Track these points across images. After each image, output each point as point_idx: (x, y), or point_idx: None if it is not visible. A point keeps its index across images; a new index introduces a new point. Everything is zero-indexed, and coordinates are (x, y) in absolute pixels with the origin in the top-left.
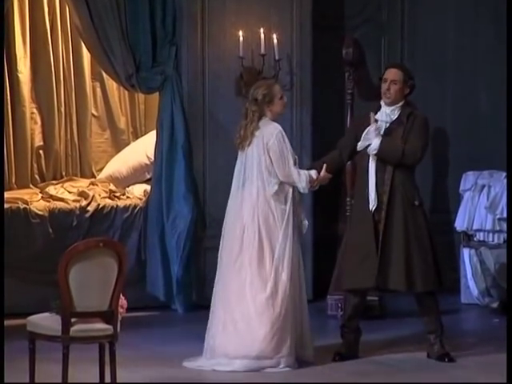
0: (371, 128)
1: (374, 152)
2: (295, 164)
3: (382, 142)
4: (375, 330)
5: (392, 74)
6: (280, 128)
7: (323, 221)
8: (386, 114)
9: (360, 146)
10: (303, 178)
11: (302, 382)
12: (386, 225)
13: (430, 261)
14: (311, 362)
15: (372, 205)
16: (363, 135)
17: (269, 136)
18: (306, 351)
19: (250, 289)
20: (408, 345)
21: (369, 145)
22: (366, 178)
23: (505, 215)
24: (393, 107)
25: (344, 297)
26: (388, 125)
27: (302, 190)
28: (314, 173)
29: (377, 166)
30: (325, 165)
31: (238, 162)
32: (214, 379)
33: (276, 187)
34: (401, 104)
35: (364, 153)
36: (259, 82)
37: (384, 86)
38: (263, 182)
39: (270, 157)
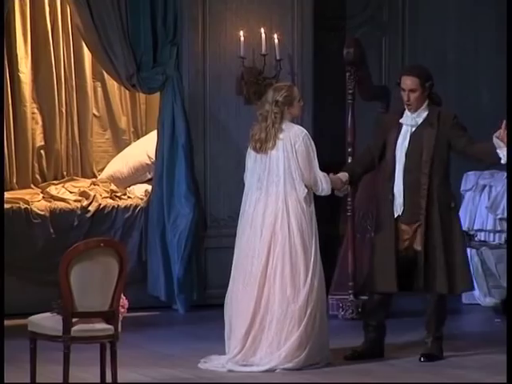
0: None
1: (503, 161)
2: None
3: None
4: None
5: (408, 83)
6: (305, 131)
7: (323, 221)
8: (412, 117)
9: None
10: (327, 181)
11: (302, 382)
12: (426, 228)
13: (466, 262)
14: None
15: (397, 210)
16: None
17: (295, 138)
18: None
19: (282, 296)
20: (410, 345)
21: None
22: (392, 183)
23: (505, 215)
24: (418, 111)
25: (368, 296)
26: (414, 129)
27: (323, 193)
28: (343, 176)
29: (405, 170)
30: (347, 175)
31: (258, 165)
32: (216, 379)
33: (306, 190)
34: (425, 105)
35: (389, 158)
36: (278, 85)
37: (404, 97)
38: (292, 185)
39: (297, 159)
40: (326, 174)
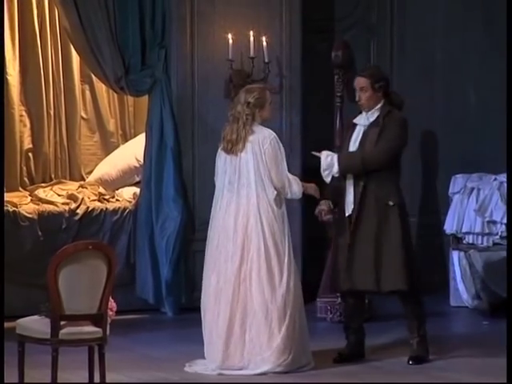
0: (323, 158)
1: (337, 175)
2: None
3: (339, 162)
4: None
5: (359, 82)
6: (274, 134)
7: (312, 223)
8: (365, 117)
9: (327, 179)
10: (298, 184)
11: (293, 382)
12: (355, 226)
13: (401, 261)
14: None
15: (347, 210)
16: (323, 170)
17: (264, 141)
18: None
19: (261, 298)
20: (397, 347)
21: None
22: (345, 183)
23: (494, 218)
24: (372, 110)
25: (341, 298)
26: (365, 128)
27: (293, 196)
28: (325, 203)
29: None
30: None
31: (229, 166)
32: (204, 380)
33: (276, 192)
34: (379, 106)
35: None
36: (250, 86)
37: (356, 96)
38: (263, 188)
39: (266, 162)
40: (296, 178)
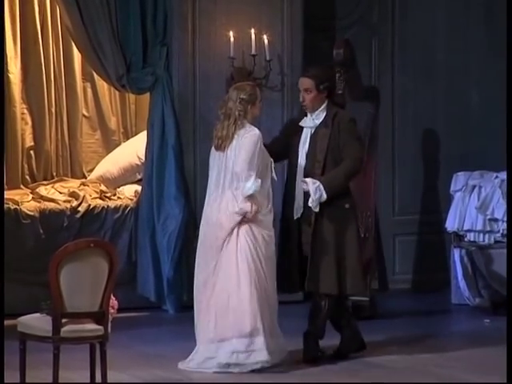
0: (311, 189)
1: (325, 199)
2: (268, 169)
3: (326, 190)
4: (365, 330)
5: (303, 83)
6: (260, 133)
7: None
8: (310, 119)
9: (316, 209)
10: (251, 183)
11: (293, 382)
12: (314, 229)
13: (359, 265)
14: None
15: (296, 213)
16: (311, 202)
17: (245, 136)
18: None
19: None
20: (398, 345)
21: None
22: (294, 185)
23: (495, 216)
24: (316, 112)
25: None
26: (314, 130)
27: (243, 192)
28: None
29: (305, 173)
30: None
31: (217, 163)
32: (205, 379)
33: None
34: (324, 106)
35: (293, 162)
36: (240, 84)
37: (300, 97)
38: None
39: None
40: (258, 179)
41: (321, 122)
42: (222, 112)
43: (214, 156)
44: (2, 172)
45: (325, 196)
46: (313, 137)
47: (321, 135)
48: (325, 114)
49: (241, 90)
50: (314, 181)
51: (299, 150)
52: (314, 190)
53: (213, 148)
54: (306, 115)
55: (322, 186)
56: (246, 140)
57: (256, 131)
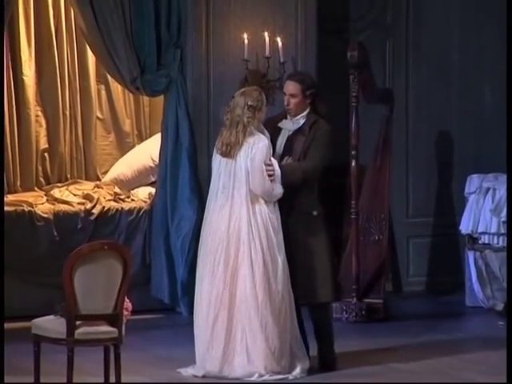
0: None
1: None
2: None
3: (282, 175)
4: (379, 332)
5: (290, 88)
6: (268, 140)
7: (327, 224)
8: (290, 123)
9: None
10: (279, 186)
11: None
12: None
13: (330, 273)
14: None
15: None
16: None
17: (255, 144)
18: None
19: (255, 304)
20: (412, 347)
21: None
22: None
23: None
24: (297, 117)
25: None
26: (291, 133)
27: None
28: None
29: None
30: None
31: (224, 169)
32: (220, 380)
33: None
34: (306, 113)
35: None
36: (247, 89)
37: (285, 101)
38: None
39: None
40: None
41: (299, 128)
42: (227, 118)
43: (220, 162)
44: (2, 173)
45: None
46: (288, 140)
47: (296, 140)
48: (304, 120)
49: (248, 96)
50: (277, 164)
51: (276, 151)
52: (275, 164)
53: (217, 154)
54: (286, 117)
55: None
56: (259, 151)
57: (266, 141)
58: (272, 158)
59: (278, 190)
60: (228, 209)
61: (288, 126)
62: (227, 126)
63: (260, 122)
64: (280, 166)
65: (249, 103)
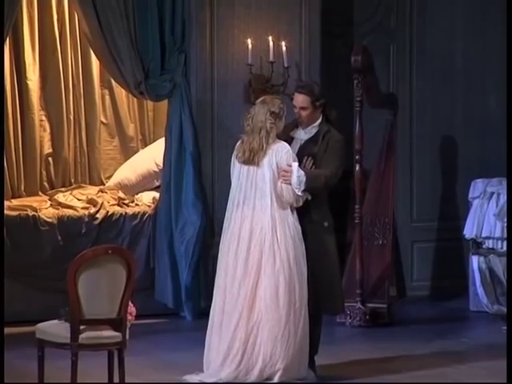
0: (295, 173)
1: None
2: None
3: (306, 178)
4: (383, 337)
5: (300, 100)
6: (289, 147)
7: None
8: (302, 133)
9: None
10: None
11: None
12: None
13: (338, 285)
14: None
15: None
16: (296, 183)
17: (279, 152)
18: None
19: (277, 314)
20: (416, 351)
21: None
22: None
23: None
24: (309, 127)
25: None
26: (303, 142)
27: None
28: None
29: None
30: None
31: (245, 179)
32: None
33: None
34: (318, 123)
35: None
36: (270, 97)
37: (296, 112)
38: (278, 199)
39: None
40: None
41: (311, 137)
42: (247, 124)
43: (240, 171)
44: (2, 174)
45: (303, 186)
46: (301, 149)
47: (308, 150)
48: (317, 130)
49: (270, 103)
50: (299, 168)
51: None
52: (296, 173)
53: (237, 161)
54: (297, 126)
55: (303, 178)
56: (284, 159)
57: (289, 147)
58: (294, 163)
59: (305, 194)
60: (250, 219)
61: (300, 135)
62: (248, 133)
63: (279, 130)
64: (305, 171)
65: (271, 109)
